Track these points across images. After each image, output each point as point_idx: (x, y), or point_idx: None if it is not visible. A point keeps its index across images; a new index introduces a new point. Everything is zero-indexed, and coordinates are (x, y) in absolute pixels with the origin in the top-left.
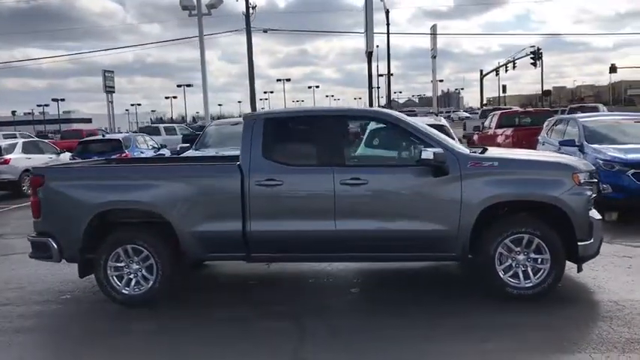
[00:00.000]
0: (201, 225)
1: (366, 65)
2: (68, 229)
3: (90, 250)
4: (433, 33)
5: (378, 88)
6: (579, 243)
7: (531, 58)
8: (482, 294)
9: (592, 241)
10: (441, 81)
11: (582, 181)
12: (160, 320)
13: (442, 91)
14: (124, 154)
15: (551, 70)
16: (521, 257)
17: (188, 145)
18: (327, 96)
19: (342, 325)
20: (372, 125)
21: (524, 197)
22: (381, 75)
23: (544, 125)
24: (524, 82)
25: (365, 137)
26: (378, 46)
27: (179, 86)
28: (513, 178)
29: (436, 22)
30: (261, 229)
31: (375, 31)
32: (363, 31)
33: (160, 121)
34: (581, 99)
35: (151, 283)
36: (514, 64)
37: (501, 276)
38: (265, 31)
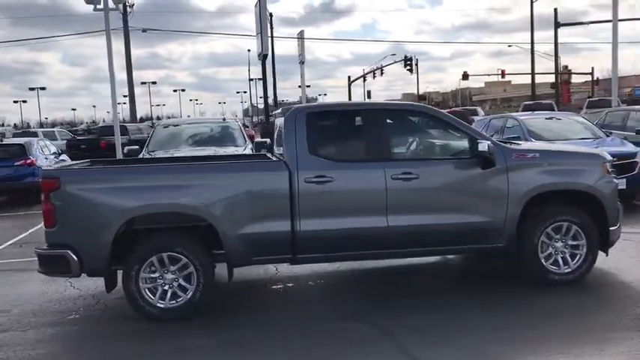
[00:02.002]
0: (248, 227)
1: (223, 69)
2: (92, 239)
3: (114, 262)
4: (301, 37)
5: (245, 92)
6: (610, 228)
7: (407, 64)
8: (502, 282)
9: (618, 226)
10: (309, 86)
11: (609, 169)
12: (208, 333)
13: (300, 96)
14: (30, 161)
15: (398, 77)
16: (559, 244)
17: (137, 147)
18: (190, 100)
19: (418, 322)
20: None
21: (566, 187)
22: (252, 79)
23: (473, 124)
24: (374, 88)
25: None
26: (249, 50)
27: (32, 89)
28: (554, 168)
29: (288, 29)
30: (311, 228)
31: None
32: (255, 34)
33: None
34: (437, 104)
35: (190, 293)
36: (382, 70)
37: (544, 263)
38: (144, 30)
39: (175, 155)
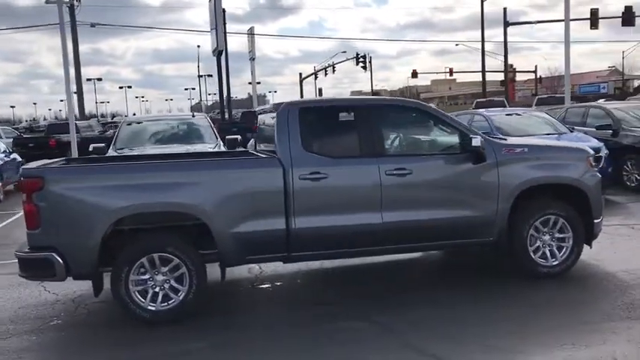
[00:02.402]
0: (242, 225)
1: (167, 66)
2: (79, 240)
3: (101, 264)
4: (251, 34)
5: (193, 89)
6: (594, 221)
7: (361, 61)
8: (490, 275)
9: (601, 219)
10: (259, 83)
11: (593, 163)
12: (199, 336)
13: (248, 93)
14: None
15: (345, 75)
16: (547, 237)
17: (103, 145)
18: (136, 97)
19: (416, 318)
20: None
21: (555, 181)
22: (201, 76)
23: None
24: (323, 86)
25: None
26: (199, 46)
27: None
28: (542, 163)
29: (234, 26)
30: (306, 225)
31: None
32: (209, 30)
33: None
34: None
35: (183, 295)
36: (334, 68)
37: (532, 256)
38: (93, 25)
39: (146, 153)
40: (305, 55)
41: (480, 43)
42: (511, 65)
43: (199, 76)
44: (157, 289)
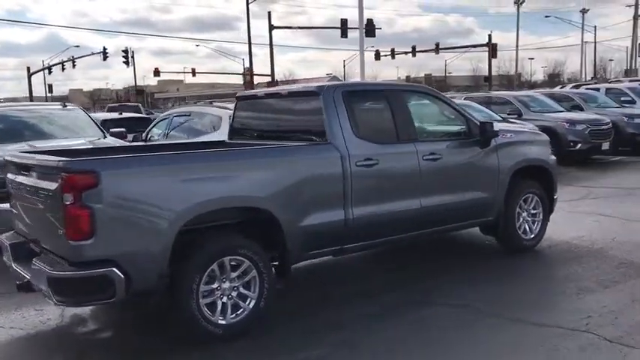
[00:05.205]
0: (309, 218)
1: None
2: (147, 248)
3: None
4: None
5: None
6: (555, 197)
7: (124, 57)
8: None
9: (557, 194)
10: None
11: (550, 147)
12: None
13: None
14: None
15: (58, 73)
16: (525, 214)
17: None
18: None
19: (487, 297)
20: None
21: (536, 163)
22: None
23: None
24: (36, 82)
25: None
26: None
27: None
28: (525, 147)
29: None
30: (361, 214)
31: None
32: None
33: None
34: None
35: (253, 302)
36: (74, 62)
37: (518, 232)
38: None
39: (34, 148)
40: (4, 48)
41: (217, 42)
42: (248, 68)
43: None
44: (224, 299)
